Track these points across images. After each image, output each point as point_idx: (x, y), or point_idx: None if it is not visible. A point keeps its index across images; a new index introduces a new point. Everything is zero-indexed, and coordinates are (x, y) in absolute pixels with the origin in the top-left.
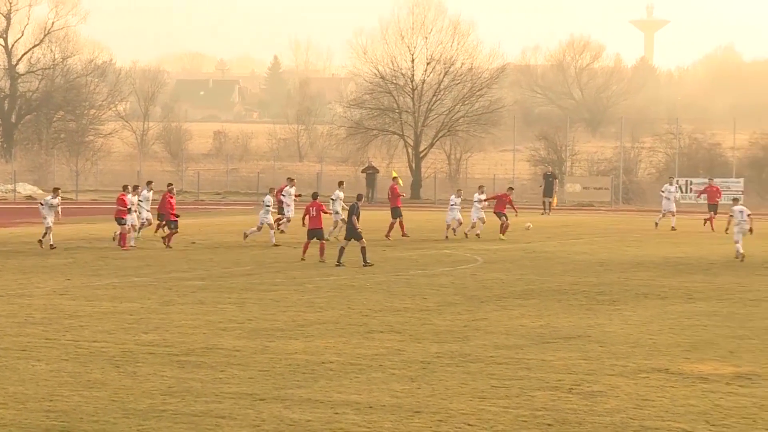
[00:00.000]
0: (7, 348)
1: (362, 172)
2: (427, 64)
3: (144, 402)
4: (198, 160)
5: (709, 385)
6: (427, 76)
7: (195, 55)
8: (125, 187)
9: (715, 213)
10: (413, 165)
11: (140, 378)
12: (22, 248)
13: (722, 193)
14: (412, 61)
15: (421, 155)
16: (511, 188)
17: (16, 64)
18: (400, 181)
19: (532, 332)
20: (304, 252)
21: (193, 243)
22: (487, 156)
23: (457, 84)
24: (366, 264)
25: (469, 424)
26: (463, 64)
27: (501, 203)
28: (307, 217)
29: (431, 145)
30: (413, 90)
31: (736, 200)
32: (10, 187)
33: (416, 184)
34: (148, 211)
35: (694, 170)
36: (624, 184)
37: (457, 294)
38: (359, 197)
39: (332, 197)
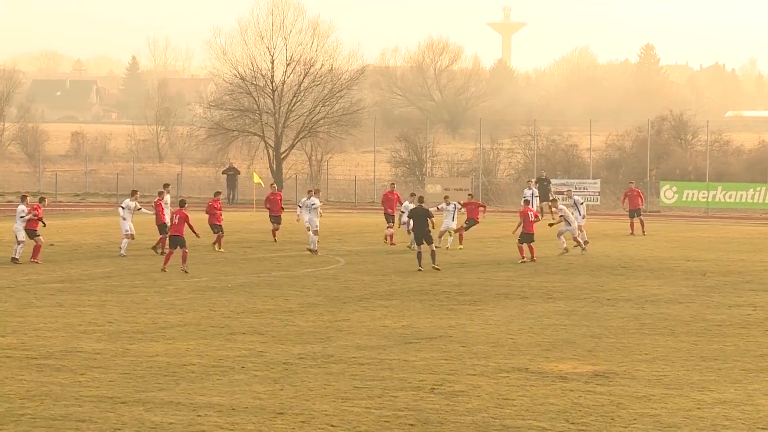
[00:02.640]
0: None
1: (223, 173)
2: (287, 65)
3: (1, 406)
4: (55, 162)
5: (569, 384)
6: (287, 77)
7: (51, 55)
8: (161, 193)
9: (639, 216)
10: (274, 166)
11: None
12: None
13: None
14: (272, 62)
15: (282, 156)
16: (470, 195)
17: None
18: (262, 182)
19: (395, 333)
20: (166, 263)
21: (52, 245)
22: (348, 157)
23: (318, 85)
24: (435, 267)
25: (332, 425)
26: (323, 65)
27: (474, 210)
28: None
29: (292, 146)
30: (273, 91)
31: (555, 201)
32: None
33: (278, 185)
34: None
35: (552, 171)
36: (483, 185)
37: (319, 295)
38: (420, 199)
39: (402, 209)
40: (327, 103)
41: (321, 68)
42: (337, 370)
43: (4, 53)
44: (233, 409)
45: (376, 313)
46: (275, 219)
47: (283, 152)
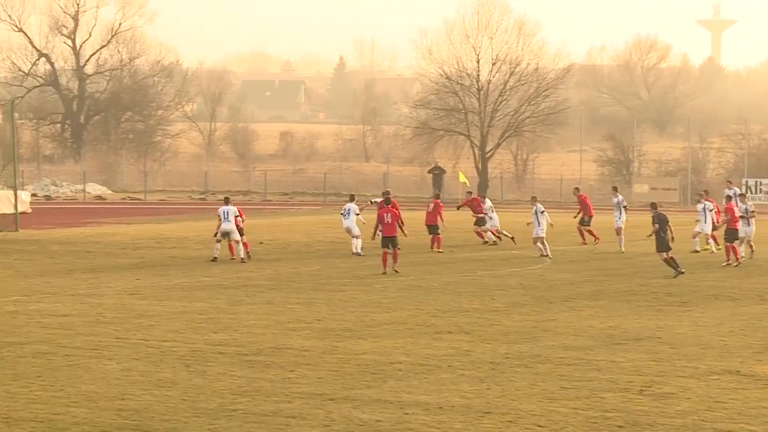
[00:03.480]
0: (79, 347)
1: (429, 172)
2: (493, 64)
3: (214, 401)
4: (265, 161)
5: None
6: (493, 77)
7: (261, 56)
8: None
9: None
10: (479, 166)
11: (210, 377)
12: (91, 248)
13: None
14: (478, 61)
15: (488, 156)
16: (469, 192)
17: (84, 65)
18: (467, 182)
19: (602, 333)
20: (384, 264)
21: (261, 243)
22: (553, 156)
23: (523, 84)
24: (678, 272)
25: (539, 426)
26: (528, 64)
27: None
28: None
29: (497, 145)
30: (479, 90)
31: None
32: (79, 187)
33: (483, 185)
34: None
35: (764, 171)
36: (692, 185)
37: (525, 295)
38: (654, 206)
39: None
40: (533, 102)
41: (527, 67)
42: (544, 370)
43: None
44: (440, 408)
45: (582, 313)
46: (480, 221)
47: (489, 151)
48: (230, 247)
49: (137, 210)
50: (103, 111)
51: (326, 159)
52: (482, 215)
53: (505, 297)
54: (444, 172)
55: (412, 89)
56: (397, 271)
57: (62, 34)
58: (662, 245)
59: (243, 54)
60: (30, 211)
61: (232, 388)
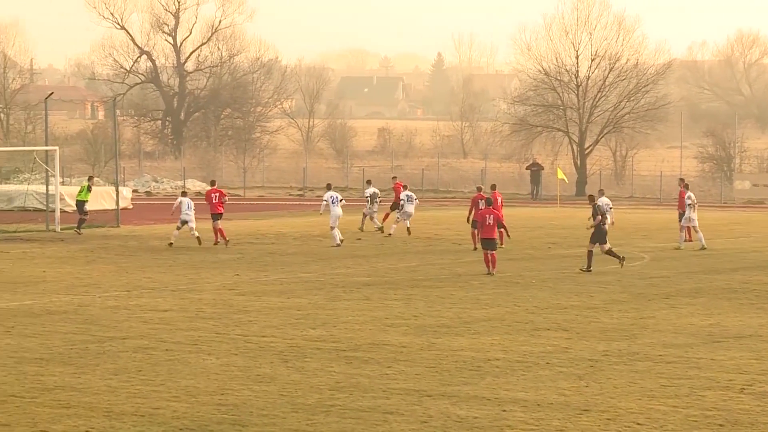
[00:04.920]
0: (179, 342)
1: (527, 168)
2: (592, 60)
3: (312, 397)
4: (362, 157)
5: None
6: (592, 72)
7: (359, 52)
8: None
9: None
10: (578, 162)
11: (308, 373)
12: (191, 243)
13: None
14: (577, 57)
15: (586, 152)
16: (479, 187)
17: (185, 62)
18: (565, 178)
19: (702, 331)
20: (488, 265)
21: (359, 240)
22: (653, 153)
23: (623, 80)
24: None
25: (638, 423)
26: (628, 60)
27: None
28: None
29: (596, 141)
30: (578, 86)
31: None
32: (180, 183)
33: (581, 182)
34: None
35: None
36: None
37: (624, 292)
38: (592, 199)
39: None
40: (632, 98)
41: (626, 63)
42: (643, 368)
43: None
44: (538, 405)
45: (682, 310)
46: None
47: (587, 148)
48: (221, 231)
49: (236, 206)
50: (202, 108)
51: (424, 155)
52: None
53: (604, 294)
54: (542, 168)
55: (510, 85)
56: (492, 274)
57: (163, 32)
58: (600, 237)
59: (341, 50)
60: (131, 207)
61: (330, 383)
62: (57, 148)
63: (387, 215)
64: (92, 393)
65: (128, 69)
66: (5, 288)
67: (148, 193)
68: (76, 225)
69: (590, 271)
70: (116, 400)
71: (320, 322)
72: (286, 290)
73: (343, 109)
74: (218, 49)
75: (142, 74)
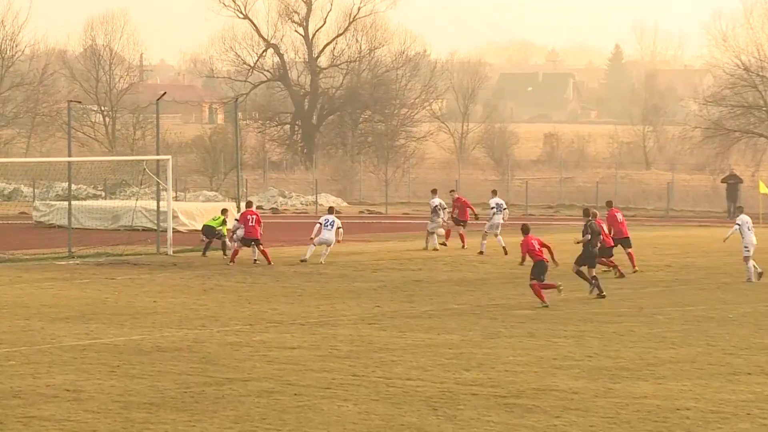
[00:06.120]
0: (310, 385)
1: (722, 182)
2: None
3: None
4: (526, 168)
5: None
6: None
7: (522, 45)
8: None
9: None
10: None
11: (462, 423)
12: (324, 269)
13: None
14: None
15: None
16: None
17: (318, 56)
18: None
19: None
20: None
21: (522, 264)
22: None
23: None
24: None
25: None
26: None
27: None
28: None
29: None
30: None
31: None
32: (311, 198)
33: None
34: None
35: None
36: None
37: None
38: (587, 214)
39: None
40: None
41: None
42: None
43: (469, 44)
44: None
45: None
46: None
47: None
48: (264, 253)
49: (377, 225)
50: (338, 110)
51: (599, 165)
52: None
53: None
54: (741, 181)
55: (702, 83)
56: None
57: (293, 21)
58: (588, 259)
59: (501, 43)
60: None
61: None
62: (170, 157)
63: (449, 232)
64: None
65: (252, 65)
66: (110, 321)
67: (274, 210)
68: (202, 249)
69: (604, 296)
70: None
71: (476, 362)
72: (435, 325)
73: (503, 111)
74: (357, 41)
75: (267, 71)
